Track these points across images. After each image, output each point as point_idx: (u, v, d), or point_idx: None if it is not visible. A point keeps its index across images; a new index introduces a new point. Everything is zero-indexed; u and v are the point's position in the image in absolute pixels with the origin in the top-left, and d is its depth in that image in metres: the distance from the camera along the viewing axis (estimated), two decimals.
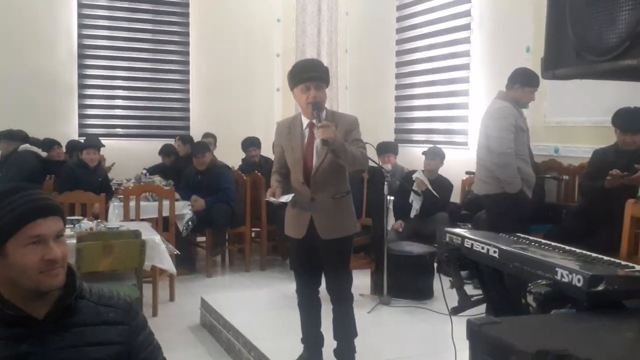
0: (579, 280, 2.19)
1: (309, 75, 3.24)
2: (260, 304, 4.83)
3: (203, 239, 6.54)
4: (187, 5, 8.90)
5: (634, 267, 2.35)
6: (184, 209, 6.14)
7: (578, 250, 2.67)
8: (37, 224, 1.47)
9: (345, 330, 3.41)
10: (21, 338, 1.48)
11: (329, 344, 3.50)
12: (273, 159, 6.82)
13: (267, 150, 7.46)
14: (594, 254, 2.61)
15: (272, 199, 3.31)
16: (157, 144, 8.17)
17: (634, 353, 1.83)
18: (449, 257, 2.89)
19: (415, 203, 5.86)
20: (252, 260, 6.62)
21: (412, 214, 5.89)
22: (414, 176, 5.95)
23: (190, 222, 6.16)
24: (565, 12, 2.02)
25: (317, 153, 3.27)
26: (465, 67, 6.74)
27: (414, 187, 5.80)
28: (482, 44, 6.54)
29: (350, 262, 3.48)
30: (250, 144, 7.44)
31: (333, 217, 3.29)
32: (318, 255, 3.38)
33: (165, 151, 7.84)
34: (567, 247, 2.73)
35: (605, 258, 2.56)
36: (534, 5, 5.73)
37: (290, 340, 3.59)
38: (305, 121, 3.34)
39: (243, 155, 7.55)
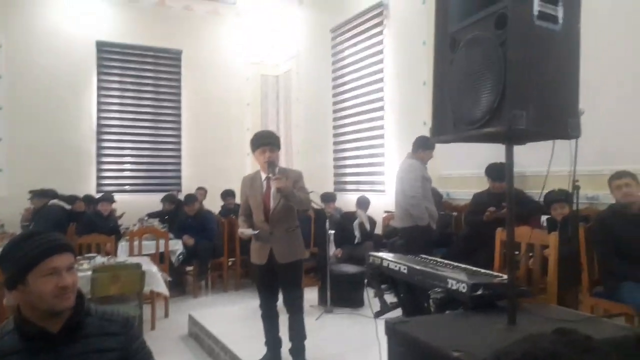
0: (463, 288, 2.21)
1: (264, 142, 3.27)
2: (235, 317, 4.66)
3: (191, 268, 6.34)
4: (179, 94, 8.91)
5: (502, 277, 2.38)
6: (176, 246, 5.96)
7: (463, 266, 2.70)
8: (53, 259, 1.40)
9: (298, 334, 3.33)
10: (39, 349, 1.39)
11: (286, 345, 3.41)
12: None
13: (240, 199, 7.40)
14: (474, 268, 2.64)
15: (244, 232, 3.28)
16: (157, 196, 8.02)
17: (502, 338, 1.85)
18: (372, 273, 2.89)
19: (357, 232, 5.92)
20: (229, 283, 6.44)
21: (356, 241, 5.96)
22: (357, 213, 6.02)
23: (180, 256, 5.98)
24: (445, 95, 2.10)
25: (273, 198, 3.26)
26: (381, 136, 6.85)
27: (356, 220, 5.93)
28: (392, 120, 6.67)
29: (302, 281, 3.43)
30: (227, 194, 7.38)
31: (287, 246, 3.26)
32: (276, 277, 3.32)
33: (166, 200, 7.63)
34: (456, 264, 2.75)
35: (483, 270, 2.60)
36: (427, 93, 5.89)
37: (257, 344, 3.47)
38: (263, 175, 3.34)
39: (222, 202, 7.46)
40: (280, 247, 3.23)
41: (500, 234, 3.29)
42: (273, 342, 3.41)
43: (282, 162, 9.53)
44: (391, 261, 2.73)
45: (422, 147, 4.68)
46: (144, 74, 8.70)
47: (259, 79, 9.74)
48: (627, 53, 3.89)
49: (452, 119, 2.08)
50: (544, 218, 4.27)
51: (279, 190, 3.08)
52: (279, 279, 3.33)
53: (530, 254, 3.08)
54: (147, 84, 8.72)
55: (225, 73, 9.29)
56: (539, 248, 2.97)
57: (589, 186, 3.95)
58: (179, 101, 8.91)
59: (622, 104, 3.90)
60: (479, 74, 1.89)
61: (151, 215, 7.10)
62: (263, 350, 3.42)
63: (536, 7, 1.79)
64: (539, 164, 4.36)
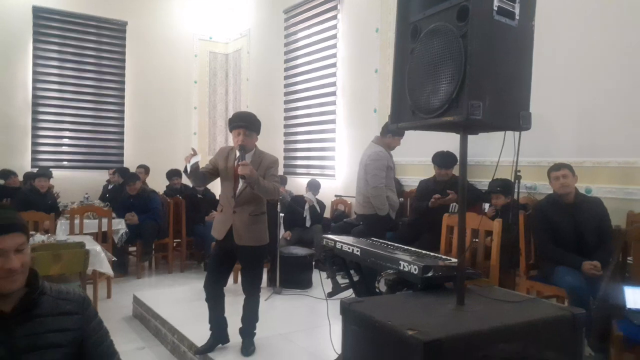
0: (415, 269, 2.29)
1: (238, 124, 3.20)
2: (181, 298, 4.60)
3: (134, 248, 6.17)
4: (123, 68, 8.55)
5: (451, 260, 2.49)
6: (119, 225, 5.78)
7: (413, 249, 2.79)
8: None
9: (251, 315, 3.32)
10: None
11: (236, 325, 3.38)
12: (191, 186, 6.67)
13: (186, 180, 7.22)
14: (424, 251, 2.74)
15: (189, 160, 3.17)
16: (97, 174, 7.74)
17: (452, 317, 1.95)
18: (326, 255, 2.93)
19: (307, 215, 5.96)
20: (174, 264, 6.33)
21: (307, 224, 5.96)
22: (306, 196, 6.03)
23: (124, 235, 5.81)
24: (404, 84, 2.14)
25: (242, 180, 3.18)
26: (332, 121, 6.91)
27: (306, 203, 5.94)
28: (344, 106, 6.74)
29: (262, 266, 3.38)
30: (173, 174, 7.18)
31: (247, 229, 3.20)
32: (231, 258, 3.29)
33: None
34: (406, 247, 2.84)
35: (432, 254, 2.69)
36: (379, 80, 6.02)
37: (205, 325, 3.40)
38: (238, 154, 3.23)
39: (167, 182, 7.28)
40: (240, 229, 3.19)
41: (447, 219, 3.43)
42: (217, 324, 3.33)
43: (229, 143, 9.39)
44: (344, 243, 2.79)
45: (392, 133, 4.55)
46: (85, 44, 8.27)
47: (207, 56, 9.53)
48: (569, 52, 4.12)
49: (410, 106, 2.12)
50: (485, 205, 4.49)
51: (242, 177, 3.03)
52: (237, 261, 3.31)
53: (475, 239, 3.24)
54: (89, 55, 8.30)
55: (172, 48, 9.01)
56: (483, 234, 3.13)
57: (528, 176, 4.19)
58: (122, 75, 8.56)
59: (562, 100, 4.13)
60: (439, 64, 1.95)
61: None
62: (208, 330, 3.35)
63: (496, 2, 1.86)
64: (479, 154, 4.61)
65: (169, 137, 8.87)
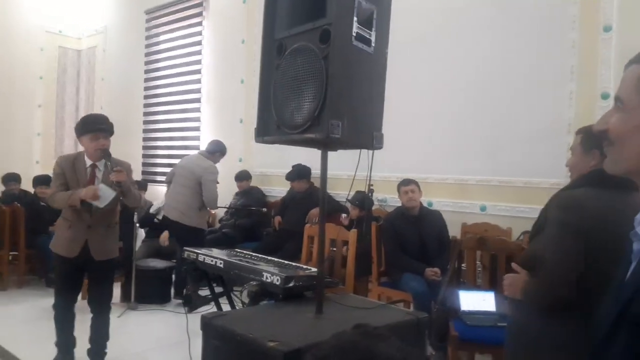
0: (277, 280, 2.32)
1: (99, 127, 2.95)
2: (17, 318, 4.09)
3: None
4: None
5: (311, 269, 2.58)
6: None
7: (276, 259, 2.83)
8: None
9: (101, 335, 3.08)
10: None
11: (83, 346, 3.11)
12: (34, 192, 5.98)
13: (26, 185, 6.44)
14: (286, 262, 2.79)
15: (90, 190, 2.81)
16: None
17: (312, 326, 2.02)
18: (187, 268, 2.84)
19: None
20: (10, 280, 5.58)
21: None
22: (159, 206, 5.71)
23: None
24: (270, 99, 2.18)
25: (116, 188, 2.92)
26: (197, 128, 6.72)
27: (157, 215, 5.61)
28: (210, 114, 6.61)
29: (113, 280, 3.17)
30: (11, 179, 6.33)
31: (105, 242, 2.99)
32: (82, 274, 3.04)
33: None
34: (269, 257, 2.87)
35: (293, 264, 2.76)
36: (245, 91, 6.04)
37: (46, 345, 3.08)
38: (88, 162, 2.98)
39: (3, 188, 6.41)
40: (98, 243, 2.95)
41: (307, 230, 3.55)
42: (67, 343, 3.06)
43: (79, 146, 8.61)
44: (207, 256, 2.72)
45: (223, 154, 4.81)
46: None
47: (56, 50, 8.65)
48: (419, 81, 4.55)
49: (275, 121, 2.17)
50: (343, 215, 4.74)
51: (119, 184, 2.80)
52: (90, 276, 3.05)
53: (334, 249, 3.39)
54: None
55: (11, 39, 7.99)
56: (340, 243, 3.30)
57: (379, 190, 4.52)
58: None
59: (410, 121, 4.54)
60: (302, 82, 2.02)
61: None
62: (51, 352, 3.05)
63: (354, 28, 2.00)
64: (336, 167, 4.83)
65: (6, 138, 7.82)
